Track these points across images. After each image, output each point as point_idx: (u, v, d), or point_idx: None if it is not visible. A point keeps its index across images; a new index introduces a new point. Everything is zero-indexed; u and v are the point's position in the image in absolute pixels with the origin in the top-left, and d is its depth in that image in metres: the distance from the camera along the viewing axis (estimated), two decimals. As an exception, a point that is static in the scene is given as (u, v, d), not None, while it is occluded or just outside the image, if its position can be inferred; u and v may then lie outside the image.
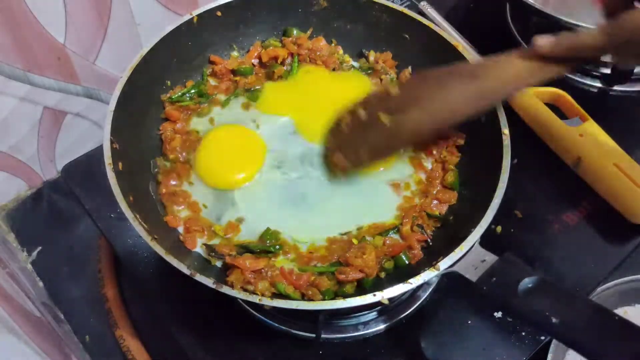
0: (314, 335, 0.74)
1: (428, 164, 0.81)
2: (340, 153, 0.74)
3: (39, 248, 1.00)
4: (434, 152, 0.81)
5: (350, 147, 0.74)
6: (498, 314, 0.78)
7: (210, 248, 0.70)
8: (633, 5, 0.57)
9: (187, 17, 0.83)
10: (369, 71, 0.91)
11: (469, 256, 0.63)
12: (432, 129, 0.71)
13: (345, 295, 0.66)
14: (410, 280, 0.60)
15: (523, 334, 0.76)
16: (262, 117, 0.85)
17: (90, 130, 1.08)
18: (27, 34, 0.86)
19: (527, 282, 0.58)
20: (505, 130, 0.73)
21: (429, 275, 0.61)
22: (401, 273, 0.70)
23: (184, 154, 0.80)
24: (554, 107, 0.94)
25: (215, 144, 0.81)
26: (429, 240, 0.73)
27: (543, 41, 0.62)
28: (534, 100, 0.93)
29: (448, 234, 0.73)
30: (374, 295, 0.59)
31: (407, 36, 0.89)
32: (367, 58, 0.92)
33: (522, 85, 0.65)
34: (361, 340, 0.76)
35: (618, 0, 0.61)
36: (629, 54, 0.60)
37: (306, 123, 0.84)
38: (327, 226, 0.74)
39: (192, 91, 0.85)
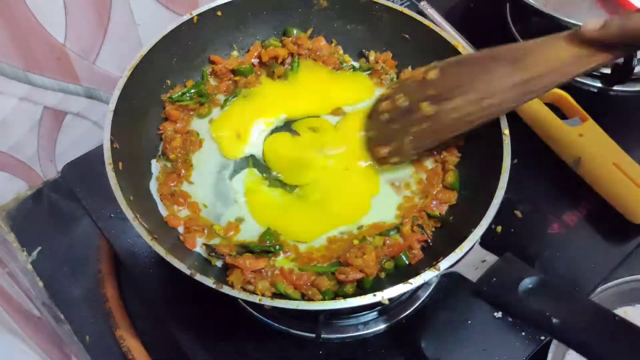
0: (314, 335, 0.74)
1: (428, 164, 0.81)
2: (383, 145, 0.71)
3: (39, 248, 1.00)
4: (434, 152, 0.81)
5: (393, 138, 0.70)
6: (498, 314, 0.78)
7: (210, 248, 0.70)
8: None
9: (187, 17, 0.83)
10: (369, 71, 0.91)
11: (469, 256, 0.63)
12: (479, 118, 0.66)
13: (345, 295, 0.66)
14: (410, 281, 0.60)
15: (523, 334, 0.76)
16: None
17: (90, 130, 1.08)
18: (27, 34, 0.86)
19: (527, 282, 0.58)
20: (506, 131, 0.73)
21: (429, 275, 0.61)
22: (401, 273, 0.70)
23: (184, 153, 0.80)
24: (554, 107, 0.95)
25: None
26: (429, 240, 0.73)
27: (592, 24, 0.57)
28: (534, 100, 0.93)
29: (448, 234, 0.73)
30: (374, 295, 0.59)
31: (407, 36, 0.89)
32: (367, 58, 0.92)
33: (569, 74, 0.59)
34: (361, 340, 0.76)
35: None
36: None
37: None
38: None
39: (192, 91, 0.85)
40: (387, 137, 0.71)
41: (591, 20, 0.58)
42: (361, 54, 0.94)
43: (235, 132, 0.83)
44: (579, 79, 1.02)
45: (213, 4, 0.86)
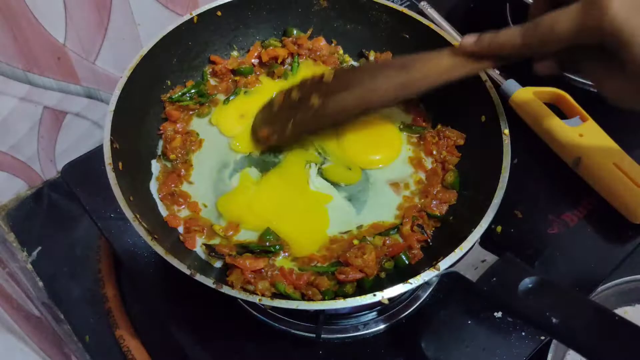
0: (314, 335, 0.74)
1: (428, 164, 0.81)
2: (267, 127, 0.79)
3: (39, 248, 1.00)
4: (434, 152, 0.81)
5: (277, 122, 0.78)
6: (498, 314, 0.78)
7: (210, 248, 0.70)
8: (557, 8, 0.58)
9: (187, 17, 0.83)
10: (369, 71, 0.91)
11: (469, 256, 0.63)
12: (355, 109, 0.74)
13: (345, 295, 0.66)
14: (410, 280, 0.60)
15: (523, 334, 0.76)
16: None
17: (90, 130, 1.08)
18: (27, 34, 0.86)
19: (527, 282, 0.58)
20: (506, 131, 0.73)
21: (429, 275, 0.61)
22: (401, 273, 0.70)
23: (184, 153, 0.80)
24: (554, 107, 0.94)
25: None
26: (429, 240, 0.73)
27: (466, 40, 0.66)
28: (534, 100, 0.93)
29: (448, 234, 0.73)
30: (374, 295, 0.59)
31: (407, 36, 0.89)
32: (367, 58, 0.92)
33: (444, 78, 0.68)
34: (361, 340, 0.76)
35: (543, 3, 0.63)
36: (545, 54, 0.63)
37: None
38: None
39: (192, 91, 0.85)
40: (272, 121, 0.79)
41: (470, 35, 0.66)
42: (361, 54, 0.94)
43: (239, 113, 0.86)
44: (579, 79, 1.02)
45: (213, 4, 0.86)
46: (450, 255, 0.62)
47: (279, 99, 0.79)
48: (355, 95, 0.72)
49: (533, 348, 0.75)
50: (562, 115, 0.93)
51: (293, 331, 0.76)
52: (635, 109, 0.59)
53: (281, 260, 0.71)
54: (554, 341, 0.77)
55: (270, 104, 0.81)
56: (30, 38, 0.87)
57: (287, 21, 0.93)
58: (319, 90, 0.75)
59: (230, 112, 0.86)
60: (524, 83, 0.96)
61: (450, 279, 0.64)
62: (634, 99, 0.58)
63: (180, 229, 0.74)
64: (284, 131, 0.78)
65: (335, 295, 0.67)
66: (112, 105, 0.72)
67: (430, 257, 0.69)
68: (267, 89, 0.88)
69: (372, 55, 0.92)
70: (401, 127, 0.85)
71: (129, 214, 0.64)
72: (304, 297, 0.66)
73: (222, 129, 0.84)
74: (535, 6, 0.66)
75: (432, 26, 0.85)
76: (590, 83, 1.01)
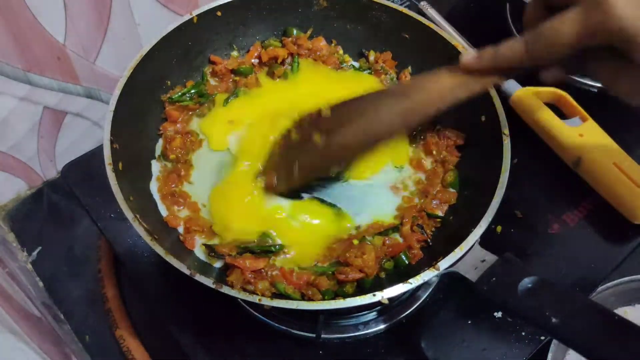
0: (314, 335, 0.74)
1: (428, 164, 0.81)
2: (272, 173, 0.75)
3: (39, 248, 1.00)
4: (434, 152, 0.81)
5: (282, 167, 0.74)
6: (498, 314, 0.78)
7: (210, 248, 0.70)
8: (553, 15, 0.56)
9: (187, 17, 0.83)
10: (369, 71, 0.91)
11: (469, 256, 0.63)
12: (363, 145, 0.70)
13: (345, 295, 0.66)
14: (410, 280, 0.61)
15: (523, 334, 0.76)
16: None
17: (90, 130, 1.08)
18: (27, 34, 0.86)
19: (527, 282, 0.58)
20: (505, 130, 0.73)
21: (429, 275, 0.61)
22: (401, 273, 0.70)
23: (184, 153, 0.80)
24: (554, 107, 0.94)
25: None
26: (429, 240, 0.73)
27: (466, 57, 0.63)
28: (534, 100, 0.93)
29: (448, 234, 0.73)
30: (374, 295, 0.59)
31: (407, 36, 0.89)
32: (367, 58, 0.92)
33: (449, 100, 0.65)
34: (361, 340, 0.76)
35: (538, 10, 0.61)
36: (550, 62, 0.60)
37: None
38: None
39: (192, 91, 0.85)
40: (276, 168, 0.75)
41: (468, 52, 0.64)
42: (361, 54, 0.94)
43: (227, 119, 0.84)
44: (579, 79, 1.02)
45: (213, 4, 0.86)
46: (450, 255, 0.62)
47: (280, 143, 0.76)
48: (359, 129, 0.68)
49: (533, 348, 0.75)
50: (562, 115, 0.93)
51: (293, 331, 0.76)
52: None
53: (281, 260, 0.71)
54: (554, 341, 0.77)
55: (273, 148, 0.77)
56: (30, 38, 0.87)
57: (287, 21, 0.93)
58: (318, 128, 0.70)
59: (218, 120, 0.84)
60: (524, 83, 0.96)
61: (450, 279, 0.64)
62: None
63: (180, 229, 0.74)
64: (290, 177, 0.73)
65: (335, 295, 0.67)
66: (112, 105, 0.72)
67: (430, 257, 0.69)
68: (267, 91, 0.88)
69: (372, 55, 0.92)
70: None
71: (129, 214, 0.64)
72: (304, 297, 0.66)
73: (212, 144, 0.82)
74: (530, 15, 0.64)
75: (432, 26, 0.85)
76: (593, 83, 1.02)
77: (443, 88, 0.64)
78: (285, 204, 0.75)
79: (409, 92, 0.67)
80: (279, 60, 0.90)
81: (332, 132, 0.69)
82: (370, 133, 0.68)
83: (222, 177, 0.79)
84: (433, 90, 0.65)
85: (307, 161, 0.72)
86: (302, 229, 0.74)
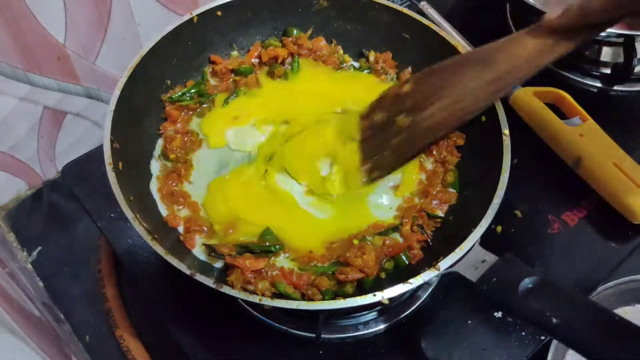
0: (314, 335, 0.74)
1: (428, 164, 0.81)
2: (367, 162, 0.72)
3: (39, 248, 1.00)
4: (434, 152, 0.81)
5: (373, 154, 0.71)
6: (498, 314, 0.78)
7: (210, 248, 0.70)
8: None
9: (187, 17, 0.83)
10: (369, 71, 0.91)
11: (469, 256, 0.63)
12: (452, 123, 0.67)
13: (345, 295, 0.66)
14: (410, 280, 0.60)
15: (523, 334, 0.76)
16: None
17: (90, 130, 1.08)
18: (27, 34, 0.86)
19: (527, 282, 0.58)
20: (506, 130, 0.73)
21: (429, 275, 0.61)
22: (401, 273, 0.70)
23: (183, 153, 0.80)
24: (554, 107, 0.94)
25: None
26: (429, 240, 0.73)
27: (552, 14, 0.58)
28: (534, 100, 0.93)
29: (448, 234, 0.73)
30: (374, 295, 0.59)
31: (407, 36, 0.89)
32: (367, 58, 0.92)
33: (537, 64, 0.61)
34: (361, 340, 0.76)
35: None
36: (629, 11, 0.55)
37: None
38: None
39: (192, 91, 0.85)
40: (367, 153, 0.72)
41: (552, 11, 0.58)
42: (361, 54, 0.94)
43: (232, 116, 0.84)
44: (579, 79, 1.02)
45: (213, 4, 0.86)
46: (450, 255, 0.62)
47: (365, 125, 0.72)
48: (445, 107, 0.65)
49: (533, 348, 0.75)
50: (562, 115, 0.93)
51: (293, 331, 0.76)
52: None
53: (281, 260, 0.71)
54: (554, 341, 0.77)
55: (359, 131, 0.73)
56: (30, 38, 0.87)
57: (287, 21, 0.93)
58: (402, 108, 0.67)
59: (218, 119, 0.84)
60: (524, 83, 0.96)
61: (450, 279, 0.64)
62: None
63: (180, 229, 0.74)
64: (383, 163, 0.71)
65: (335, 295, 0.67)
66: (112, 105, 0.72)
67: (430, 257, 0.69)
68: (267, 90, 0.88)
69: (372, 55, 0.92)
70: None
71: (129, 214, 0.64)
72: (304, 297, 0.66)
73: (210, 141, 0.82)
74: None
75: (432, 26, 0.85)
76: (592, 83, 1.02)
77: (530, 52, 0.60)
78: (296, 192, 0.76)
79: (493, 58, 0.62)
80: (279, 60, 0.90)
81: (416, 110, 0.65)
82: (457, 109, 0.65)
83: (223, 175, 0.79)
84: (519, 55, 0.61)
85: (399, 145, 0.69)
86: (305, 221, 0.74)
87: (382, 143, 0.70)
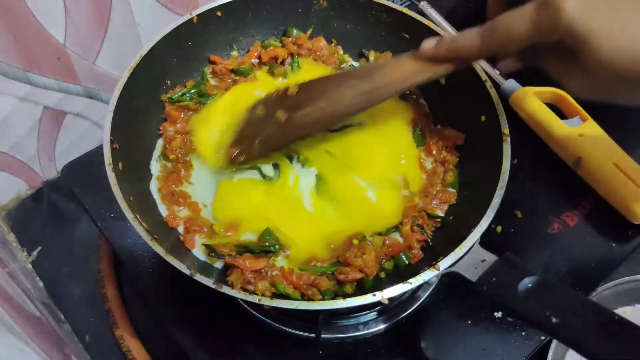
0: (314, 335, 0.74)
1: (428, 164, 0.81)
2: (235, 146, 0.77)
3: (39, 248, 1.00)
4: (434, 152, 0.81)
5: (244, 140, 0.77)
6: (498, 314, 0.78)
7: (210, 248, 0.70)
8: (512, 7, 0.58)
9: (187, 17, 0.83)
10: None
11: (469, 256, 0.63)
12: (321, 122, 0.74)
13: (345, 295, 0.66)
14: (410, 280, 0.61)
15: (523, 334, 0.76)
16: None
17: (90, 130, 1.08)
18: (27, 34, 0.86)
19: (527, 282, 0.58)
20: (506, 130, 0.73)
21: (429, 275, 0.61)
22: (401, 273, 0.70)
23: (184, 153, 0.80)
24: (554, 107, 0.94)
25: None
26: (429, 240, 0.73)
27: (426, 44, 0.66)
28: (534, 100, 0.93)
29: (448, 234, 0.73)
30: (374, 295, 0.59)
31: (407, 36, 0.89)
32: (367, 58, 0.92)
33: (408, 83, 0.69)
34: (361, 340, 0.76)
35: (500, 2, 0.62)
36: (505, 54, 0.63)
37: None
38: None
39: (192, 91, 0.85)
40: (239, 140, 0.78)
41: (428, 40, 0.67)
42: (361, 54, 0.94)
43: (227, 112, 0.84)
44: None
45: (213, 4, 0.86)
46: (450, 255, 0.62)
47: (246, 117, 0.78)
48: (321, 108, 0.72)
49: (533, 348, 0.75)
50: (562, 115, 0.93)
51: (293, 331, 0.76)
52: (594, 100, 0.59)
53: (281, 260, 0.71)
54: (554, 341, 0.77)
55: (240, 122, 0.80)
56: (30, 38, 0.87)
57: (287, 21, 0.93)
58: (283, 105, 0.74)
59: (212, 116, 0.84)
60: (524, 83, 0.96)
61: (450, 278, 0.64)
62: (592, 92, 0.58)
63: (180, 229, 0.74)
64: (251, 149, 0.76)
65: (335, 295, 0.67)
66: (112, 105, 0.72)
67: (430, 257, 0.69)
68: (267, 90, 0.88)
69: (372, 55, 0.92)
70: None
71: (129, 214, 0.64)
72: (304, 297, 0.66)
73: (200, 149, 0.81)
74: (492, 6, 0.65)
75: (432, 26, 0.85)
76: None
77: (404, 72, 0.68)
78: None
79: (372, 74, 0.71)
80: (279, 60, 0.90)
81: (295, 109, 0.73)
82: (330, 112, 0.72)
83: (224, 177, 0.79)
84: (395, 73, 0.69)
85: (268, 135, 0.75)
86: (305, 221, 0.74)
87: (256, 132, 0.76)
